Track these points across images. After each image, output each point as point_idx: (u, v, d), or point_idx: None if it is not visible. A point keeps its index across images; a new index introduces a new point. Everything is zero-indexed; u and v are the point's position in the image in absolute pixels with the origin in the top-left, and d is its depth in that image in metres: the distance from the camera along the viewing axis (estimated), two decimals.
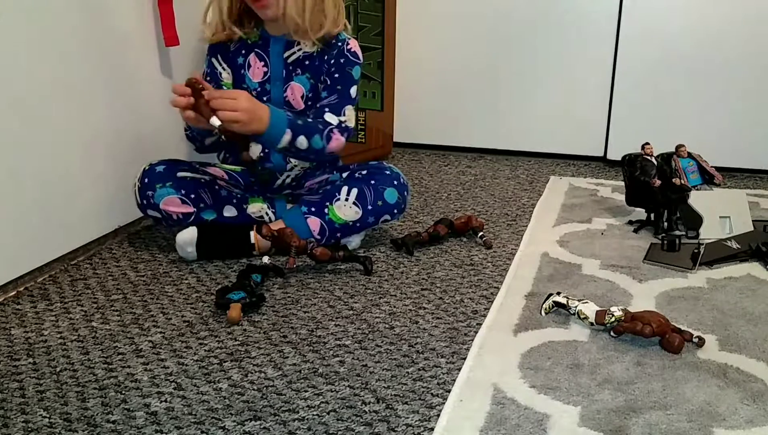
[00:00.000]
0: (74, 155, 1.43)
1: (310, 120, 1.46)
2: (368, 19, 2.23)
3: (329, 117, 1.47)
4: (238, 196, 1.54)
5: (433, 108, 2.40)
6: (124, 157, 1.56)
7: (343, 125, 1.48)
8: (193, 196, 1.47)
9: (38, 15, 1.31)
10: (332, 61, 1.50)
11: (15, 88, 1.27)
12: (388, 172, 1.51)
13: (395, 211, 1.51)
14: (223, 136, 1.36)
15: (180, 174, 1.48)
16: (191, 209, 1.47)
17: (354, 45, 1.52)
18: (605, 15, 2.19)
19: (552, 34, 2.24)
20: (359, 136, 2.33)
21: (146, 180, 1.46)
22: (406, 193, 1.52)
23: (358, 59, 1.52)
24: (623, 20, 2.17)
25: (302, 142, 1.42)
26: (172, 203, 1.46)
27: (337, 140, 1.46)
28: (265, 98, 1.50)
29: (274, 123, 1.38)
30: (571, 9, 2.22)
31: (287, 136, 1.40)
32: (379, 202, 1.48)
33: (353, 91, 1.51)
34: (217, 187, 1.52)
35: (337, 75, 1.50)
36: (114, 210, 1.55)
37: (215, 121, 1.32)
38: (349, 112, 1.50)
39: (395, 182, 1.50)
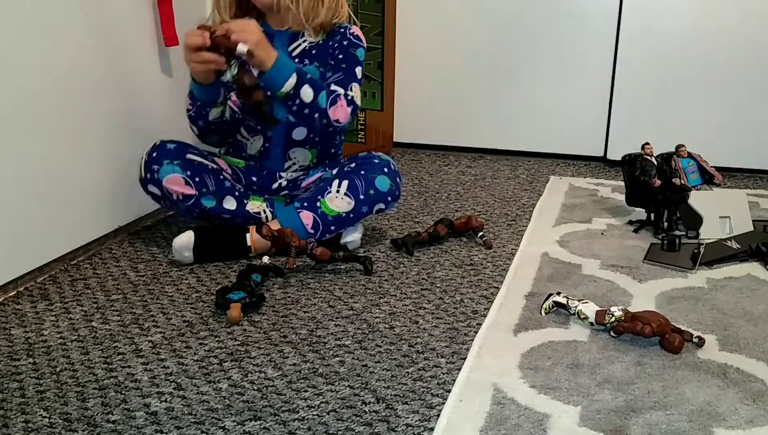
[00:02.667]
0: (74, 155, 1.43)
1: (319, 80, 1.48)
2: (368, 19, 2.24)
3: (335, 87, 1.47)
4: (240, 190, 1.54)
5: (433, 108, 2.40)
6: (125, 158, 1.56)
7: (350, 97, 1.48)
8: (197, 179, 1.47)
9: (38, 15, 1.31)
10: (336, 45, 1.52)
11: (14, 87, 1.27)
12: (376, 161, 1.50)
13: (389, 198, 1.49)
14: (236, 73, 1.35)
15: (189, 156, 1.49)
16: (193, 192, 1.46)
17: (357, 30, 1.55)
18: (605, 15, 2.19)
19: (552, 34, 2.24)
20: (359, 136, 2.33)
21: (155, 154, 1.46)
22: (398, 179, 1.51)
23: (362, 42, 1.54)
24: (623, 20, 2.17)
25: (308, 93, 1.42)
26: (176, 182, 1.45)
27: (343, 108, 1.46)
28: None
29: (281, 61, 1.39)
30: (571, 9, 2.22)
31: (292, 80, 1.40)
32: (371, 191, 1.47)
33: (358, 71, 1.52)
34: (221, 177, 1.52)
35: (341, 56, 1.52)
36: (114, 210, 1.56)
37: (242, 48, 1.32)
38: (356, 89, 1.50)
39: (385, 169, 1.49)
